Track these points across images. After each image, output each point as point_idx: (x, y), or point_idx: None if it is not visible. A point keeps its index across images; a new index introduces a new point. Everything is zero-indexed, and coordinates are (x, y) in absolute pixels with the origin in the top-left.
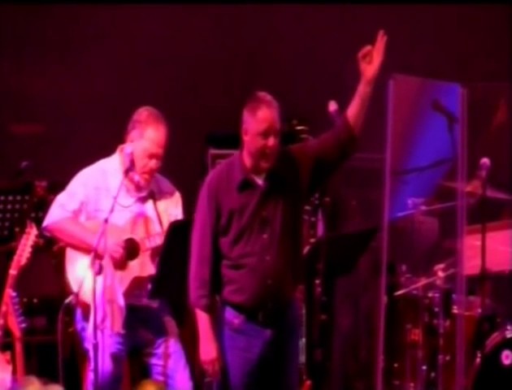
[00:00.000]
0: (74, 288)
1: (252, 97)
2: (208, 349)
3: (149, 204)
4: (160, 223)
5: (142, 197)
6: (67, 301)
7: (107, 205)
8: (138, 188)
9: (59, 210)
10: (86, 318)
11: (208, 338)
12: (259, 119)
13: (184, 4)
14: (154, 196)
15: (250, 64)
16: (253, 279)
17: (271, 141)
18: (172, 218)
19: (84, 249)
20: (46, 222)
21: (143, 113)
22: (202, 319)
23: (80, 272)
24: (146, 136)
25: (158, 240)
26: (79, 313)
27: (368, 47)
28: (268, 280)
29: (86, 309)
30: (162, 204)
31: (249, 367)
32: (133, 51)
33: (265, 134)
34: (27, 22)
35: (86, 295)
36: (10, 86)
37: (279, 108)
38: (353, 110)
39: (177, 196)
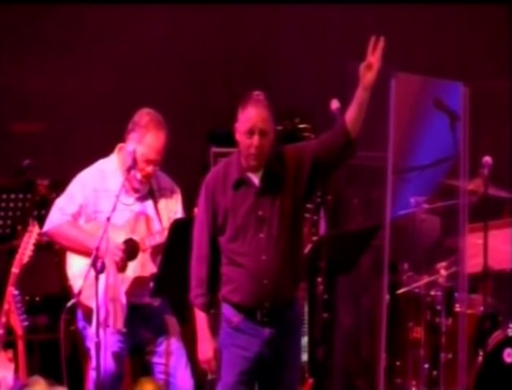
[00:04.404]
0: (73, 282)
1: (245, 96)
2: (205, 348)
3: (149, 202)
4: (160, 221)
5: (142, 196)
6: (69, 304)
7: (107, 206)
8: (135, 189)
9: (59, 214)
10: (87, 319)
11: (205, 337)
12: (244, 118)
13: (186, 4)
14: (153, 194)
15: (252, 63)
16: (249, 278)
17: (256, 140)
18: (173, 215)
19: (84, 252)
20: (46, 227)
21: (144, 117)
22: (200, 318)
23: (80, 266)
24: (145, 142)
25: (159, 239)
26: (80, 312)
27: (370, 58)
28: (264, 280)
29: (87, 311)
30: (163, 201)
31: (247, 365)
32: (134, 50)
33: (250, 133)
34: (28, 21)
35: (87, 298)
36: (11, 85)
37: (271, 108)
38: (350, 115)
39: (177, 192)
